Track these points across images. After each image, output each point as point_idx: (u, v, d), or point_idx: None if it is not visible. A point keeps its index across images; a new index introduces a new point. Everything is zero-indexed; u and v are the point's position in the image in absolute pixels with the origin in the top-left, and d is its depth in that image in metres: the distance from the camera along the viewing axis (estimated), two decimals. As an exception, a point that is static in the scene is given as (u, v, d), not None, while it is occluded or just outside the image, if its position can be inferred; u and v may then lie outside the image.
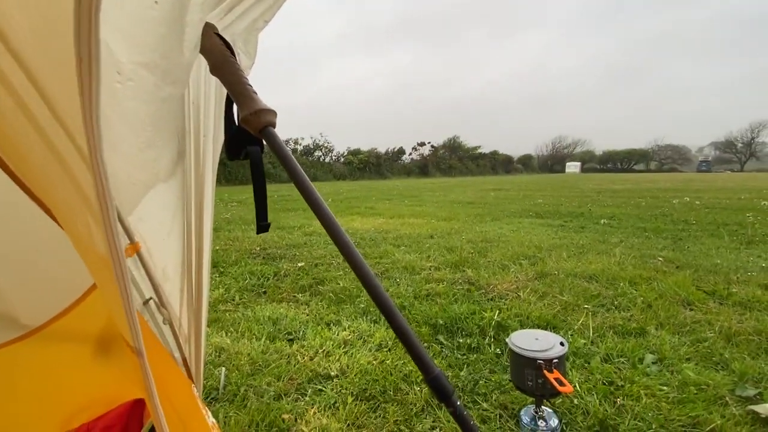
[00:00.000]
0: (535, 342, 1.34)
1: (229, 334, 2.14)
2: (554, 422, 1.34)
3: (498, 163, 56.49)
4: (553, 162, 75.18)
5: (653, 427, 1.32)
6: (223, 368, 1.77)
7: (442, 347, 1.94)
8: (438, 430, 1.38)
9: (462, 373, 1.69)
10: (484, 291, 2.69)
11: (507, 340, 1.40)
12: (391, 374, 1.70)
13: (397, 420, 1.43)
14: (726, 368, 1.67)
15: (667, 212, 6.87)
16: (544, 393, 1.30)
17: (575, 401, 1.47)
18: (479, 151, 54.75)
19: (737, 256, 3.55)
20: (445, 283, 2.87)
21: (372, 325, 2.20)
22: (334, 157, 35.31)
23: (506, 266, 3.30)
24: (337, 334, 2.07)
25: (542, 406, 1.38)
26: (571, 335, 2.00)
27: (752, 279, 2.81)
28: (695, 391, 1.49)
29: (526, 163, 67.29)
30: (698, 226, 5.33)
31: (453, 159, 46.91)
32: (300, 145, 33.69)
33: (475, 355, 1.83)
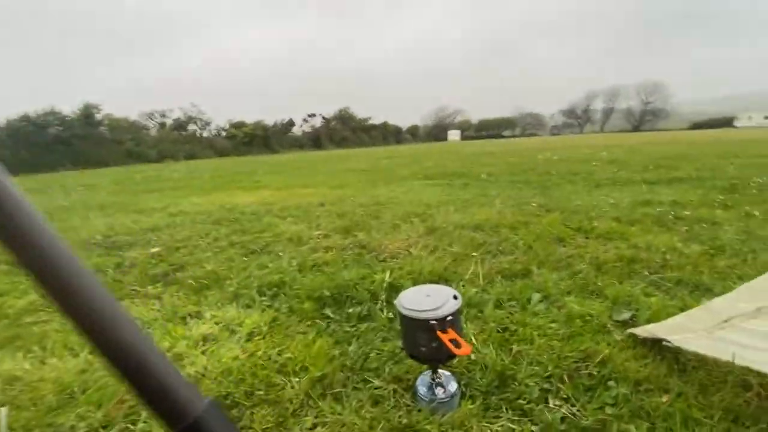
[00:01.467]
0: (426, 300, 1.12)
1: (31, 354, 1.52)
2: (453, 387, 1.17)
3: (389, 134, 57.83)
4: (437, 131, 79.98)
5: (549, 368, 1.23)
6: (4, 408, 1.19)
7: (329, 322, 1.67)
8: (321, 427, 1.09)
9: (351, 348, 1.44)
10: (375, 253, 2.51)
11: (395, 302, 1.15)
12: (264, 368, 1.35)
13: (266, 427, 1.09)
14: (601, 295, 1.72)
15: (532, 167, 7.76)
16: (440, 357, 1.09)
17: (473, 356, 1.33)
18: (370, 122, 55.20)
19: (591, 197, 4.02)
20: (334, 250, 2.61)
21: (243, 310, 1.80)
22: (214, 131, 31.70)
23: (398, 225, 3.21)
24: (194, 330, 1.62)
25: (439, 371, 1.18)
26: (463, 285, 1.91)
27: (606, 214, 3.15)
28: (581, 323, 1.48)
29: (414, 133, 70.31)
30: (558, 176, 6.06)
31: (346, 130, 46.36)
32: (169, 118, 29.26)
33: (365, 325, 1.60)
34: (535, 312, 1.61)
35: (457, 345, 1.02)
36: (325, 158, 17.54)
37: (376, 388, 1.22)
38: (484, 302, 1.71)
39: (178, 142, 25.75)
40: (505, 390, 1.16)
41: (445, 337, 1.02)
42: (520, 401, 1.11)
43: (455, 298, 1.12)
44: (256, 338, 1.54)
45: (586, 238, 2.56)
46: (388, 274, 2.01)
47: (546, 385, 1.17)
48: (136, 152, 19.41)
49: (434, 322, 1.04)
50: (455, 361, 1.29)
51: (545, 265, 2.10)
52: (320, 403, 1.16)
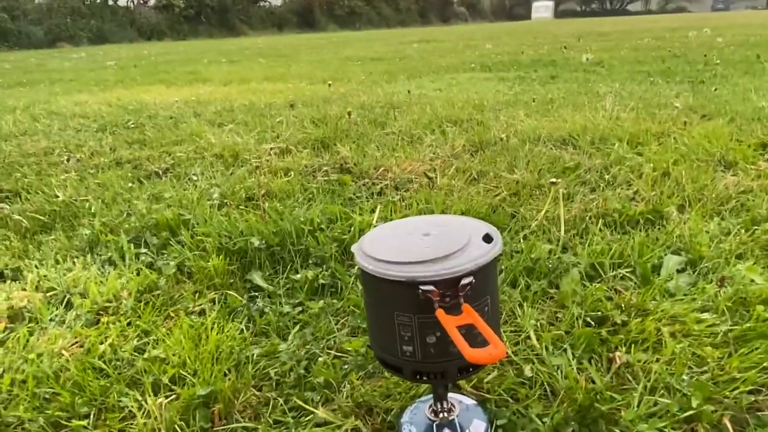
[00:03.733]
0: (419, 243, 0.84)
1: None
2: (477, 430, 0.93)
3: (430, 6, 56.17)
4: (512, 3, 77.32)
5: (693, 403, 0.97)
6: None
7: (253, 295, 1.51)
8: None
9: (284, 346, 1.25)
10: (367, 180, 2.43)
11: (353, 246, 0.87)
12: (104, 375, 1.16)
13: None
14: (809, 263, 1.49)
15: (678, 52, 7.50)
16: (445, 369, 0.83)
17: (527, 371, 1.11)
18: (397, -15, 53.58)
19: (787, 96, 3.71)
20: (293, 173, 2.51)
21: (98, 269, 1.63)
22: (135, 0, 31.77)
23: (417, 137, 3.14)
24: (-3, 300, 1.45)
25: (451, 397, 0.96)
26: (525, 238, 1.72)
27: (817, 122, 2.81)
28: (766, 315, 1.20)
29: (473, 7, 68.07)
30: (725, 65, 5.78)
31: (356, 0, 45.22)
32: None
33: (321, 303, 1.43)
34: (667, 290, 1.40)
35: (477, 340, 0.72)
36: (318, 42, 17.42)
37: (318, 426, 0.99)
38: (564, 268, 1.53)
39: (78, 14, 25.66)
40: (592, 444, 0.92)
41: (451, 323, 0.72)
42: (624, 471, 0.84)
43: (487, 240, 0.82)
44: (107, 319, 1.36)
45: (777, 161, 2.34)
46: (377, 211, 1.77)
47: (684, 439, 0.92)
48: (9, 31, 19.68)
49: (430, 287, 0.74)
50: (485, 375, 1.03)
51: (694, 205, 1.93)
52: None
